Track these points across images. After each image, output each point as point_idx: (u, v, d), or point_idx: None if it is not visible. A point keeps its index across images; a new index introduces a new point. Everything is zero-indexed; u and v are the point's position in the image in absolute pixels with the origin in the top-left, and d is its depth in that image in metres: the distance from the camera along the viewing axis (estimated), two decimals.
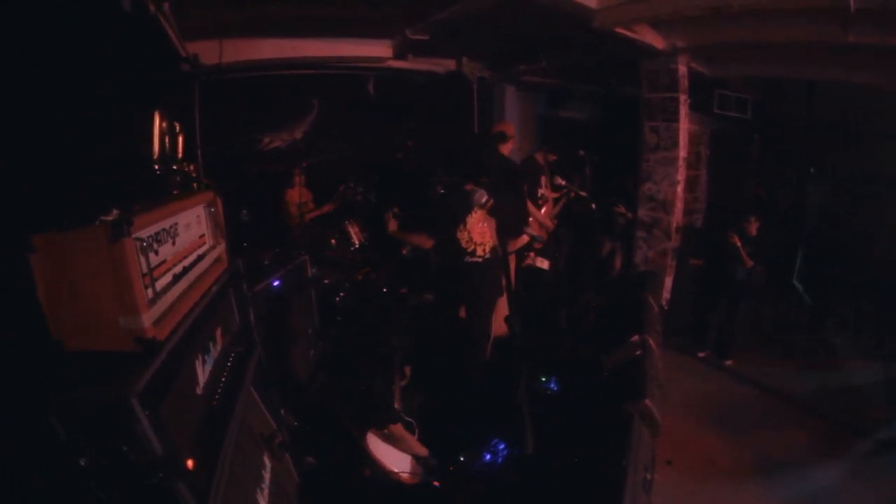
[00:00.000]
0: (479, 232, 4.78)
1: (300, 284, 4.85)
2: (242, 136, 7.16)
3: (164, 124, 3.29)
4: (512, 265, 5.62)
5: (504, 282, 4.93)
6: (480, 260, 4.82)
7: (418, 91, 8.15)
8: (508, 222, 4.88)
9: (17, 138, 2.55)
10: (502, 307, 5.20)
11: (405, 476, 3.70)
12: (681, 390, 5.75)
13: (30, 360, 2.12)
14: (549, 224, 6.64)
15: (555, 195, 6.82)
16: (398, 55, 7.18)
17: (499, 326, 5.13)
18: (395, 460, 3.75)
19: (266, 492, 2.97)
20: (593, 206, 4.79)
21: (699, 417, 5.37)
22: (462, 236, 4.74)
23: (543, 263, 5.53)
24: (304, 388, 4.46)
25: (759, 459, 4.72)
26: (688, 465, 4.60)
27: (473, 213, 4.75)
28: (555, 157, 6.76)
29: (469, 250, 4.77)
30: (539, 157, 6.66)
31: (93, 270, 1.97)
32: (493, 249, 4.87)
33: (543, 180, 6.63)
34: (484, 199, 4.21)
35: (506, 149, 5.82)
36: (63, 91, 2.99)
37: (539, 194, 6.53)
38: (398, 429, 3.71)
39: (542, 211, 6.52)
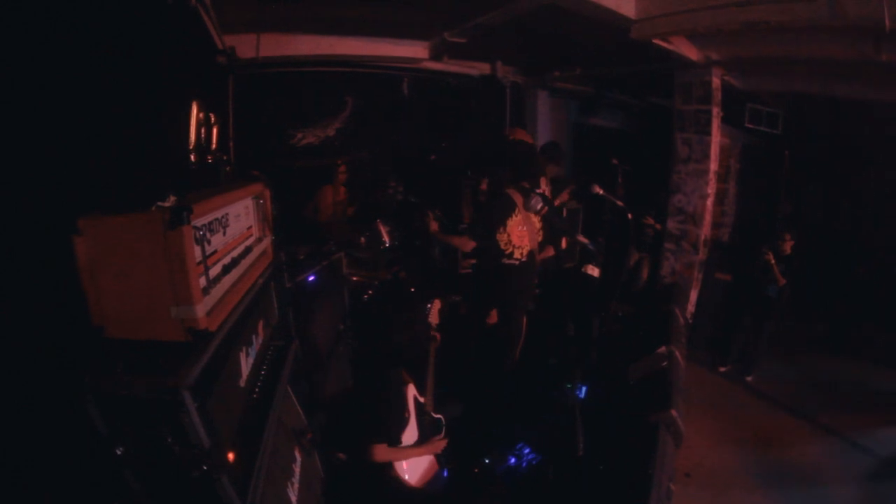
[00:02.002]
0: (518, 235, 4.80)
1: (334, 281, 4.85)
2: (275, 130, 7.18)
3: (200, 115, 3.30)
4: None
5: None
6: (517, 262, 4.83)
7: (452, 93, 8.16)
8: (558, 227, 4.88)
9: (60, 124, 2.57)
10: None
11: (418, 484, 3.65)
12: (700, 404, 5.72)
13: (71, 347, 2.11)
14: None
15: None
16: (434, 57, 7.19)
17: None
18: (412, 463, 3.69)
19: (296, 486, 2.97)
20: (630, 216, 4.74)
21: (717, 431, 5.35)
22: (501, 238, 4.76)
23: (594, 271, 5.48)
24: (327, 383, 4.44)
25: (775, 476, 4.69)
26: (705, 478, 4.59)
27: (514, 216, 4.76)
28: (558, 167, 6.77)
29: (507, 252, 4.78)
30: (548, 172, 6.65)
31: (145, 257, 1.91)
32: (529, 253, 4.88)
33: (542, 181, 6.64)
34: (539, 206, 4.19)
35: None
36: (108, 77, 3.01)
37: None
38: (403, 451, 3.64)
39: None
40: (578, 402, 3.97)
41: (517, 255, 4.83)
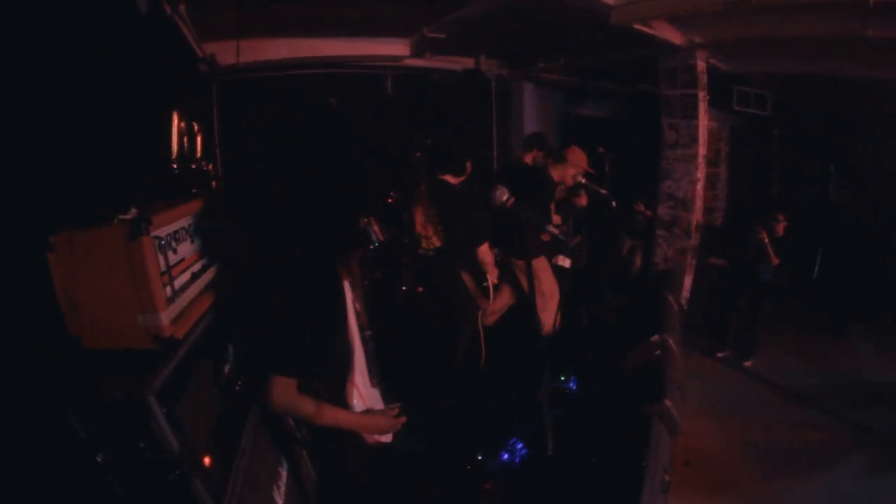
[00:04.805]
0: (420, 223, 4.55)
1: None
2: (261, 135, 7.17)
3: (182, 124, 3.30)
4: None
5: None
6: (427, 254, 4.57)
7: (436, 90, 8.13)
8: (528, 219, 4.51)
9: (34, 138, 2.58)
10: None
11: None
12: (699, 391, 5.67)
13: (47, 358, 2.14)
14: (556, 219, 6.60)
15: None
16: (416, 54, 7.16)
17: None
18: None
19: (283, 490, 2.97)
20: (613, 203, 4.70)
21: (717, 419, 5.30)
22: (414, 225, 4.55)
23: (565, 262, 5.43)
24: None
25: (778, 463, 4.65)
26: (704, 466, 4.53)
27: (417, 206, 4.54)
28: (542, 153, 6.72)
29: (417, 242, 4.55)
30: (528, 160, 6.60)
31: (111, 269, 1.98)
32: (437, 250, 4.58)
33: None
34: (505, 197, 3.75)
35: None
36: (79, 91, 3.01)
37: None
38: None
39: None
40: (546, 400, 3.93)
41: (424, 244, 4.55)
